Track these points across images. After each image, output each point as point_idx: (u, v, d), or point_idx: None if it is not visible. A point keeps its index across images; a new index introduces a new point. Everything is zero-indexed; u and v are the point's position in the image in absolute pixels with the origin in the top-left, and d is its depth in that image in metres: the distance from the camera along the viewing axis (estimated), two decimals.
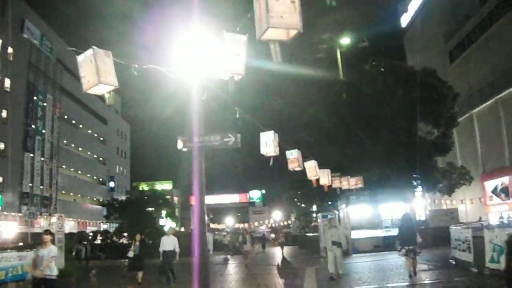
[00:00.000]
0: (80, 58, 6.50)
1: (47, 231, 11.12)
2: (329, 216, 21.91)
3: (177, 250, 17.68)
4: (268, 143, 11.46)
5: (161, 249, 17.71)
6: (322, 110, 33.71)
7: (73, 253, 35.03)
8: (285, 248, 33.78)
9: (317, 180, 18.50)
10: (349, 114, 31.36)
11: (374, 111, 30.75)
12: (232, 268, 25.09)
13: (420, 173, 32.61)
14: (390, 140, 31.25)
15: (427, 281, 13.95)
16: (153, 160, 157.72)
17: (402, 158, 31.43)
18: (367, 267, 19.28)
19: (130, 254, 18.29)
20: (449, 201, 40.59)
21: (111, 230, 55.84)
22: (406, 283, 13.73)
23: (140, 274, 17.75)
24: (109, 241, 47.22)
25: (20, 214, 45.95)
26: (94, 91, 6.69)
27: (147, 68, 7.35)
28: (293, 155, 14.16)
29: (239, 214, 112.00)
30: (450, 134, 34.15)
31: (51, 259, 10.43)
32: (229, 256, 33.87)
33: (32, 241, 36.43)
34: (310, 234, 41.23)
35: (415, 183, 34.55)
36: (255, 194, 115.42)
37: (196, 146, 7.95)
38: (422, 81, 29.92)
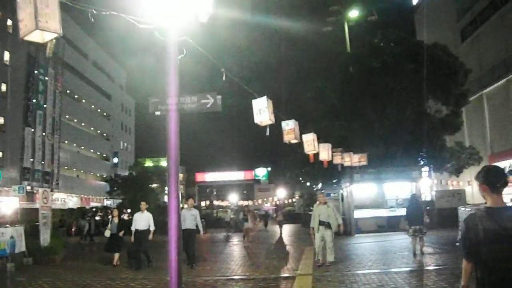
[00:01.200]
0: None
1: None
2: (329, 192, 20.77)
3: (152, 228, 15.17)
4: (262, 110, 10.32)
5: (133, 228, 15.13)
6: (328, 84, 32.70)
7: (73, 229, 34.24)
8: (286, 226, 32.99)
9: (316, 155, 17.21)
10: (355, 89, 30.27)
11: (381, 86, 29.67)
12: (231, 246, 24.18)
13: (428, 152, 31.71)
14: (398, 116, 30.40)
15: (432, 267, 12.73)
16: (158, 136, 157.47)
17: (409, 135, 30.67)
18: (369, 249, 18.21)
19: (107, 233, 16.14)
20: (455, 182, 39.76)
21: (114, 206, 55.50)
22: (410, 268, 12.57)
23: (116, 256, 15.61)
24: (110, 217, 46.52)
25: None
26: (32, 38, 5.58)
27: (110, 14, 6.28)
28: (289, 125, 12.92)
29: (245, 192, 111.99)
30: (459, 112, 33.06)
31: None
32: (230, 234, 33.19)
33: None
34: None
35: (422, 162, 33.62)
36: (261, 172, 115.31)
37: (169, 109, 6.92)
38: (433, 56, 28.85)
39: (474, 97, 39.86)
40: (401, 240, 19.86)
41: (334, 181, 35.63)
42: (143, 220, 15.09)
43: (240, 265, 14.90)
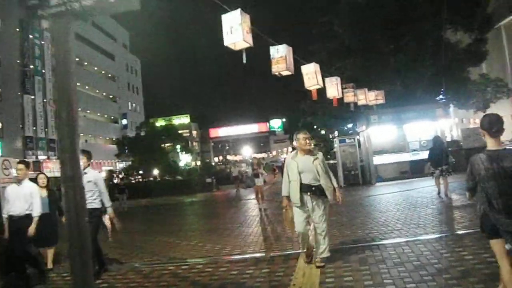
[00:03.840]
0: None
1: None
2: (344, 138, 17.87)
3: (36, 213, 8.23)
4: (234, 28, 7.27)
5: (5, 213, 8.37)
6: (334, 18, 29.75)
7: None
8: None
9: (319, 90, 13.93)
10: (366, 20, 27.29)
11: (395, 14, 26.69)
12: (237, 207, 21.49)
13: (451, 87, 28.94)
14: (415, 48, 27.46)
15: (471, 228, 9.26)
16: (169, 94, 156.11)
17: (429, 70, 27.91)
18: (394, 203, 15.17)
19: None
20: (478, 119, 37.25)
21: (121, 169, 54.69)
22: (453, 230, 9.46)
23: (51, 252, 9.37)
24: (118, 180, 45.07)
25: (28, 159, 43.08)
26: None
27: None
28: (279, 52, 9.71)
29: (261, 144, 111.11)
30: (484, 39, 30.07)
31: None
32: (239, 190, 32.29)
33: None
34: (331, 162, 38.43)
35: (444, 100, 30.92)
36: (276, 123, 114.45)
37: (55, 14, 4.15)
38: None
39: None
40: (431, 188, 17.13)
41: (349, 126, 33.14)
42: (21, 197, 8.28)
43: (234, 237, 11.62)
